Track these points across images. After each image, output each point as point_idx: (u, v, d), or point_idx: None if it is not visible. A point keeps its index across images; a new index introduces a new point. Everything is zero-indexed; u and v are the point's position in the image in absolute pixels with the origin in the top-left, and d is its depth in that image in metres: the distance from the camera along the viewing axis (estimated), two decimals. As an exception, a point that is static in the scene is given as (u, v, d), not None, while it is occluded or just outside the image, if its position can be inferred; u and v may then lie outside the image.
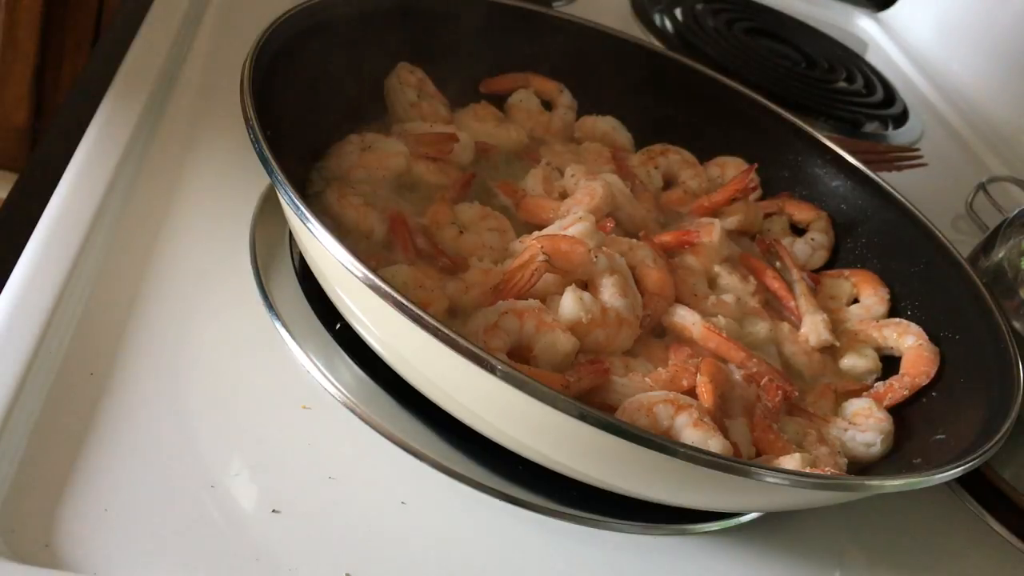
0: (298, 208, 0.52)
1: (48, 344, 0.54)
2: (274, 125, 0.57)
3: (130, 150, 0.69)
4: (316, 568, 0.49)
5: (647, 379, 0.61)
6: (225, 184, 0.71)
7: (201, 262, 0.64)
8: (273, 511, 0.51)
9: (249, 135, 0.56)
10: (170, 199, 0.68)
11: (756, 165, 0.82)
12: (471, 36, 0.79)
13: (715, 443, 0.57)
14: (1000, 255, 0.76)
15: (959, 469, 0.56)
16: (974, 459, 0.57)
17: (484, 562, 0.53)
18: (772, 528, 0.62)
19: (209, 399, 0.55)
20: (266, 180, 0.68)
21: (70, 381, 0.53)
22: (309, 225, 0.52)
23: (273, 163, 0.54)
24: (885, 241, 0.79)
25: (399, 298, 0.49)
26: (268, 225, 0.68)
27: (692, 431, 0.57)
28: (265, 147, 0.55)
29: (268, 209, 0.69)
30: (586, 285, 0.64)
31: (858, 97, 1.26)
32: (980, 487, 0.71)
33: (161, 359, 0.57)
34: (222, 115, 0.76)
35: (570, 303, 0.61)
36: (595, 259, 0.64)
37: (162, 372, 0.56)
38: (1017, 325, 0.70)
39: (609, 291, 0.63)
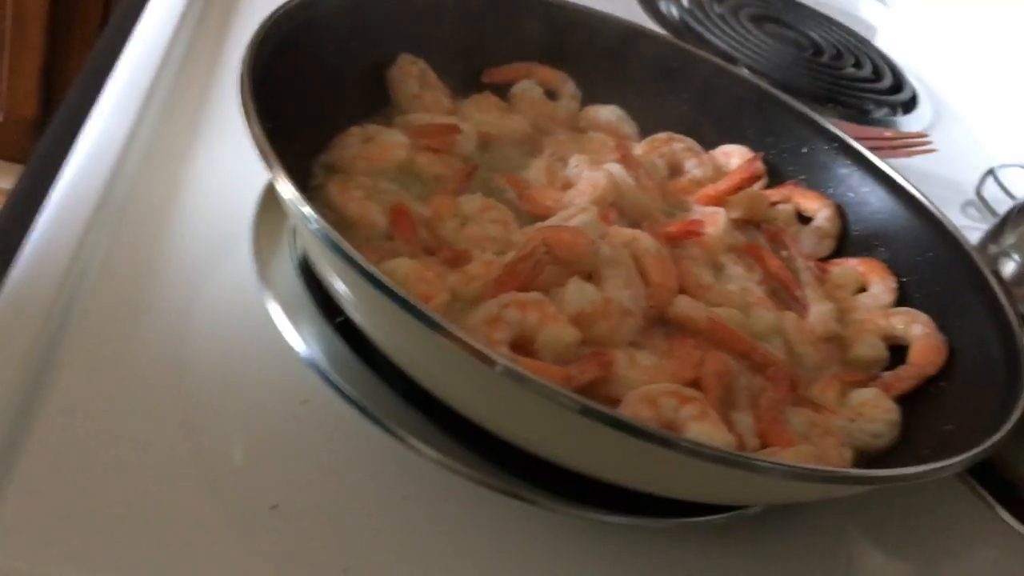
0: (298, 202, 0.52)
1: (50, 336, 0.54)
2: (275, 118, 0.57)
3: (131, 143, 0.68)
4: (315, 564, 0.49)
5: (651, 371, 0.60)
6: (226, 178, 0.70)
7: (202, 257, 0.64)
8: (272, 507, 0.51)
9: (249, 128, 0.55)
10: (171, 194, 0.67)
11: (762, 153, 0.81)
12: (473, 26, 0.78)
13: (720, 436, 0.56)
14: (1010, 242, 0.75)
15: (967, 460, 0.56)
16: (982, 450, 0.56)
17: (486, 558, 0.53)
18: (779, 518, 0.62)
19: (208, 393, 0.55)
20: (267, 173, 0.67)
21: (71, 375, 0.53)
22: (309, 219, 0.51)
23: (273, 157, 0.54)
24: (893, 229, 0.78)
25: (400, 292, 0.48)
26: (269, 219, 0.68)
27: (697, 424, 0.56)
28: (265, 141, 0.54)
29: (269, 203, 0.69)
30: (589, 276, 0.63)
31: (866, 83, 1.25)
32: (990, 477, 0.71)
33: (161, 354, 0.56)
34: (223, 108, 0.76)
35: (573, 295, 0.61)
36: (598, 250, 0.63)
37: (162, 367, 0.56)
38: (1026, 314, 0.69)
39: (612, 282, 0.63)
